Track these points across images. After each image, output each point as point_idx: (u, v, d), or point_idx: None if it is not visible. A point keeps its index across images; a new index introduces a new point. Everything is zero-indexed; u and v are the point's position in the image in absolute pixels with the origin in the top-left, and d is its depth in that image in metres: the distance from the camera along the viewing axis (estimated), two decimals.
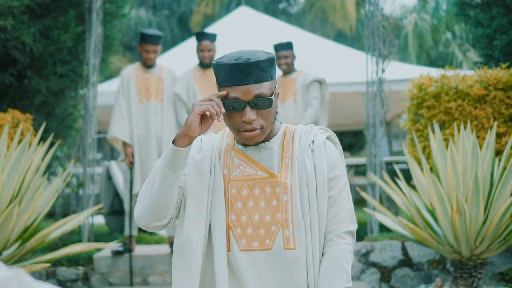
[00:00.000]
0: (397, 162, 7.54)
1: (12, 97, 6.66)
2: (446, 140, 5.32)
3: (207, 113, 2.04)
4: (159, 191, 2.05)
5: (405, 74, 9.20)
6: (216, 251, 2.08)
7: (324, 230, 2.10)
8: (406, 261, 5.69)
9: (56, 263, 5.86)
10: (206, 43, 6.17)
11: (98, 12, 6.58)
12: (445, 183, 4.60)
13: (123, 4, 7.29)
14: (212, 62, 2.10)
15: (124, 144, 6.08)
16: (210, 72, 6.10)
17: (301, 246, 2.07)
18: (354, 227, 2.14)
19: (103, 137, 12.16)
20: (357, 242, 5.50)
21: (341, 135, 18.55)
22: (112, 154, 16.11)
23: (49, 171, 6.83)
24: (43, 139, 5.78)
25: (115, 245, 5.78)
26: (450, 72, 5.82)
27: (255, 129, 2.07)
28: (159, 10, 24.91)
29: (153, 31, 6.20)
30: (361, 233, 6.15)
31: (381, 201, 6.25)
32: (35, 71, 6.62)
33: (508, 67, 5.82)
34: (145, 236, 6.90)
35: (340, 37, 23.18)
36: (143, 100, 6.12)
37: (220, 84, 2.09)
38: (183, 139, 2.03)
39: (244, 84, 2.04)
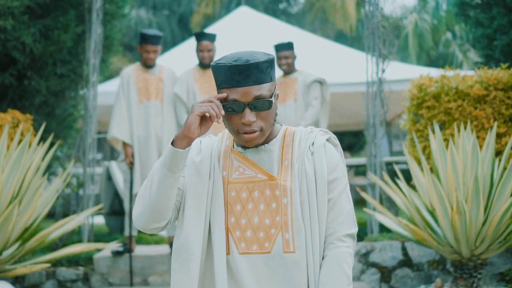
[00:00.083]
0: (397, 163, 7.54)
1: (12, 97, 6.66)
2: (446, 140, 5.31)
3: (207, 114, 2.02)
4: (158, 192, 2.04)
5: (405, 74, 9.20)
6: (216, 254, 2.07)
7: (324, 233, 2.08)
8: (406, 262, 5.68)
9: (56, 263, 5.86)
10: (205, 43, 6.17)
11: (98, 12, 6.58)
12: (445, 183, 4.60)
13: (123, 4, 7.29)
14: (211, 63, 2.08)
15: (124, 144, 6.08)
16: (210, 73, 6.10)
17: (301, 249, 2.06)
18: (354, 229, 2.12)
19: (103, 137, 12.16)
20: (357, 242, 5.47)
21: (341, 135, 18.57)
22: (112, 154, 16.11)
23: (49, 171, 6.83)
24: (43, 139, 5.78)
25: (115, 245, 5.78)
26: (450, 73, 5.82)
27: (254, 131, 2.05)
28: (159, 10, 24.92)
29: (153, 31, 6.20)
30: (361, 234, 6.15)
31: (381, 202, 6.24)
32: (35, 71, 6.62)
33: (508, 68, 5.82)
34: (145, 236, 6.90)
35: (340, 37, 23.18)
36: (143, 100, 6.12)
37: (219, 86, 2.07)
38: (182, 140, 2.01)
39: (243, 85, 2.02)
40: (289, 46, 6.45)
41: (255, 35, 11.41)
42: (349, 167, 9.54)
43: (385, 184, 5.26)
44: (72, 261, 5.96)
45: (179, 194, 2.12)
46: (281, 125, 2.21)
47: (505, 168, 4.64)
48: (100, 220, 8.24)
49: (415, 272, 5.67)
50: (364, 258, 5.67)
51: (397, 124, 12.15)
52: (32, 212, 4.68)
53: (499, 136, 5.45)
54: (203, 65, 6.20)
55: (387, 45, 6.36)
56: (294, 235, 2.06)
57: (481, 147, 5.21)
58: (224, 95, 2.03)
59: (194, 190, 2.10)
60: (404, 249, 5.69)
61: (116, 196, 7.51)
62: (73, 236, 6.44)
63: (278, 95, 2.13)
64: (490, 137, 4.68)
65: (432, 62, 20.23)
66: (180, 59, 9.82)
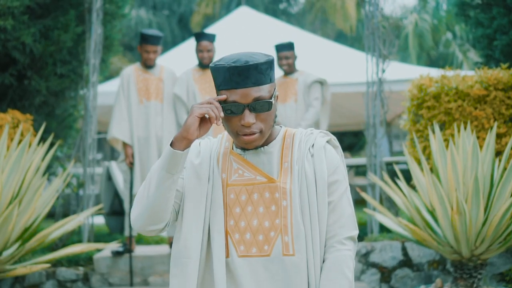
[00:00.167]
0: (397, 163, 7.54)
1: (12, 97, 6.66)
2: (446, 140, 5.31)
3: (206, 116, 2.01)
4: (156, 194, 2.02)
5: (405, 74, 9.20)
6: (215, 257, 2.05)
7: (324, 236, 2.06)
8: (406, 262, 5.68)
9: (56, 263, 5.85)
10: (205, 43, 6.17)
11: (98, 12, 6.58)
12: (445, 183, 4.60)
13: (123, 4, 7.29)
14: (210, 65, 2.06)
15: (124, 144, 6.08)
16: (210, 73, 6.08)
17: (301, 253, 2.04)
18: (355, 232, 2.10)
19: (103, 138, 12.16)
20: (357, 242, 5.49)
21: (341, 135, 18.58)
22: (112, 155, 16.11)
23: (49, 171, 6.83)
24: (43, 139, 5.78)
25: (115, 246, 5.78)
26: (450, 73, 5.82)
27: (254, 133, 2.03)
28: (159, 10, 24.92)
29: (153, 31, 6.20)
30: (361, 234, 6.15)
31: (381, 202, 6.24)
32: (35, 71, 6.62)
33: (509, 68, 5.82)
34: (145, 236, 6.90)
35: (340, 37, 23.18)
36: (143, 101, 6.12)
37: (219, 87, 2.05)
38: (181, 141, 1.99)
39: (242, 87, 2.00)
40: (289, 46, 6.45)
41: (255, 35, 11.41)
42: (349, 167, 9.53)
43: (385, 184, 5.26)
44: (72, 261, 5.96)
45: (178, 196, 2.10)
46: (280, 126, 2.19)
47: (505, 169, 4.64)
48: (100, 220, 8.24)
49: (415, 272, 5.67)
50: (364, 258, 5.67)
51: (397, 124, 12.15)
52: (32, 212, 4.68)
53: (499, 136, 5.44)
54: (203, 65, 6.20)
55: (387, 45, 6.36)
56: (294, 238, 2.04)
57: (481, 147, 5.20)
58: (223, 97, 2.01)
59: (193, 193, 2.09)
60: (404, 249, 5.69)
61: (116, 196, 7.52)
62: (73, 236, 6.44)
63: (277, 96, 2.11)
64: (490, 137, 4.67)
65: (432, 62, 20.23)
66: (180, 59, 9.81)
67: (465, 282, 4.72)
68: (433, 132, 5.26)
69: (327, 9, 22.53)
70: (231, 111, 2.01)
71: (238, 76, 2.00)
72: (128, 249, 5.97)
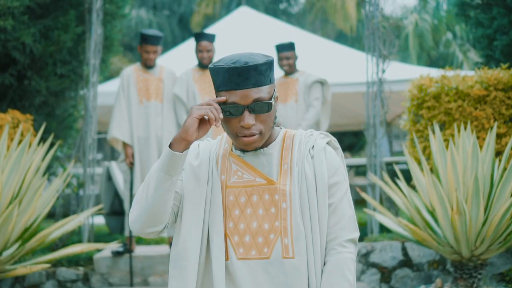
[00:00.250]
0: (397, 163, 7.54)
1: (12, 97, 6.66)
2: (446, 140, 5.31)
3: (206, 117, 1.99)
4: (155, 196, 2.00)
5: (406, 74, 9.20)
6: (214, 259, 2.03)
7: (325, 239, 2.05)
8: (406, 262, 5.68)
9: (56, 263, 5.86)
10: (204, 43, 6.17)
11: (98, 12, 6.58)
12: (445, 183, 4.60)
13: (123, 4, 7.29)
14: (209, 65, 2.05)
15: (124, 144, 6.08)
16: (209, 73, 6.09)
17: (301, 255, 2.02)
18: (356, 234, 2.08)
19: (103, 138, 12.16)
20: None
21: (341, 135, 18.58)
22: (112, 155, 16.11)
23: (49, 171, 6.83)
24: (43, 139, 5.78)
25: (115, 246, 5.78)
26: (450, 73, 5.82)
27: (253, 134, 2.01)
28: (159, 10, 24.92)
29: (153, 31, 6.20)
30: (361, 234, 6.14)
31: (381, 202, 6.24)
32: (35, 71, 6.62)
33: (509, 68, 5.82)
34: None
35: (340, 38, 23.18)
36: (143, 101, 6.12)
37: (218, 89, 2.03)
38: (180, 143, 1.97)
39: (242, 88, 1.98)
40: (290, 46, 6.45)
41: (255, 35, 11.41)
42: (349, 167, 9.53)
43: (385, 185, 5.26)
44: (72, 261, 5.96)
45: (177, 198, 2.08)
46: (280, 128, 2.17)
47: (505, 169, 4.64)
48: (100, 220, 8.24)
49: (415, 272, 5.67)
50: (364, 259, 5.67)
51: (397, 124, 12.15)
52: (32, 212, 4.68)
53: (499, 136, 5.44)
54: (203, 65, 6.20)
55: (387, 45, 6.36)
56: (294, 241, 2.02)
57: (481, 147, 5.20)
58: (223, 98, 1.99)
59: (192, 195, 2.07)
60: (404, 249, 5.69)
61: (116, 196, 7.52)
62: (73, 236, 6.44)
63: (277, 97, 2.09)
64: (490, 138, 4.67)
65: (433, 62, 20.22)
66: (180, 59, 9.82)
67: (465, 282, 4.72)
68: (433, 132, 5.26)
69: (327, 9, 22.53)
70: (230, 112, 1.99)
71: (237, 77, 1.98)
72: (128, 249, 5.97)
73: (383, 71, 6.35)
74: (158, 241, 6.85)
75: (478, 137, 5.39)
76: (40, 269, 5.06)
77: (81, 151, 6.48)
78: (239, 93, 1.99)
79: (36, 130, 6.25)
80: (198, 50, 6.21)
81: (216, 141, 2.19)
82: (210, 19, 21.83)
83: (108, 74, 8.68)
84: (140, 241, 6.78)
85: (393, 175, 5.72)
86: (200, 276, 2.07)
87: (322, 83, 6.45)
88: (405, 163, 6.16)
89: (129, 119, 6.08)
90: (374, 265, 5.68)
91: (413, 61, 19.62)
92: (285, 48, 6.45)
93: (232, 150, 2.13)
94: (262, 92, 2.00)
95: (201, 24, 22.10)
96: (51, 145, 5.95)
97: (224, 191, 2.08)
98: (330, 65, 10.49)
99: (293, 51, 6.46)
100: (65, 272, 5.90)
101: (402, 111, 7.30)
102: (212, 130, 5.79)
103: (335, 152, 2.13)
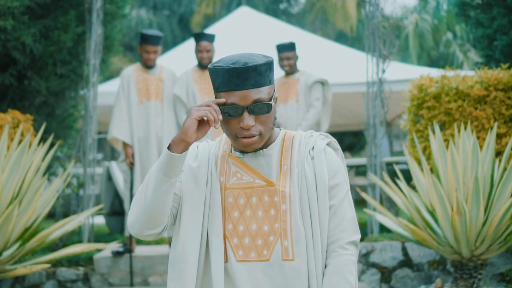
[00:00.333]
0: (398, 163, 7.54)
1: (12, 97, 6.66)
2: (446, 140, 5.31)
3: (205, 118, 1.96)
4: (153, 198, 1.98)
5: (406, 74, 9.20)
6: (213, 262, 2.01)
7: (326, 241, 2.03)
8: (406, 262, 5.68)
9: (56, 263, 5.86)
10: (204, 44, 6.17)
11: (99, 12, 6.58)
12: (445, 183, 4.60)
13: (124, 4, 7.29)
14: (208, 66, 2.02)
15: (124, 144, 6.08)
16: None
17: (301, 257, 2.00)
18: (357, 236, 2.06)
19: (103, 138, 12.16)
20: None
21: (341, 135, 18.58)
22: (112, 155, 16.11)
23: (49, 171, 6.83)
24: (43, 139, 5.78)
25: (115, 246, 5.78)
26: (450, 73, 5.82)
27: (253, 136, 1.99)
28: (159, 10, 24.92)
29: (153, 31, 6.20)
30: (362, 234, 6.14)
31: (381, 202, 6.24)
32: (35, 71, 6.62)
33: (509, 68, 5.82)
34: None
35: (340, 38, 23.18)
36: (143, 101, 6.12)
37: (217, 89, 2.01)
38: (179, 144, 1.95)
39: (241, 89, 1.96)
40: (291, 47, 6.45)
41: (255, 35, 11.41)
42: (350, 167, 9.53)
43: (385, 185, 5.26)
44: (72, 261, 5.96)
45: (176, 199, 2.06)
46: (280, 129, 2.15)
47: (505, 169, 4.64)
48: (100, 220, 8.24)
49: (415, 272, 5.66)
50: (364, 259, 5.67)
51: (397, 125, 12.15)
52: (32, 212, 4.68)
53: (499, 136, 5.44)
54: (202, 65, 6.20)
55: (387, 45, 6.36)
56: (294, 243, 2.00)
57: (481, 147, 5.20)
58: (223, 100, 1.97)
59: (191, 196, 2.05)
60: (404, 249, 5.69)
61: (116, 196, 7.52)
62: (73, 237, 6.44)
63: (277, 98, 2.07)
64: (490, 138, 4.67)
65: (433, 62, 20.23)
66: (180, 60, 9.82)
67: (465, 282, 4.72)
68: (433, 132, 5.26)
69: (327, 9, 22.53)
70: (229, 113, 1.97)
71: (237, 77, 1.96)
72: (128, 249, 5.97)
73: (383, 71, 6.35)
74: (158, 241, 6.85)
75: (478, 137, 5.39)
76: (40, 269, 5.06)
77: (81, 151, 6.49)
78: (239, 94, 1.97)
79: (36, 130, 6.25)
80: (198, 51, 6.21)
81: (215, 142, 2.17)
82: (210, 19, 21.84)
83: (108, 74, 8.68)
84: (140, 241, 6.77)
85: (393, 175, 5.72)
86: (199, 278, 2.05)
87: (323, 83, 6.45)
88: (405, 163, 6.16)
89: (129, 119, 6.08)
90: (374, 265, 5.68)
91: (413, 61, 19.62)
92: (286, 49, 6.45)
93: (231, 151, 2.11)
94: (261, 93, 1.98)
95: (201, 24, 22.10)
96: (51, 145, 5.95)
97: (223, 193, 2.06)
98: (330, 65, 10.49)
99: (294, 51, 6.46)
100: (65, 272, 5.90)
101: (402, 111, 7.30)
102: (213, 131, 5.79)
103: (335, 153, 2.11)
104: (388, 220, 5.20)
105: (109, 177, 7.58)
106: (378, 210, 5.48)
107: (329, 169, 2.06)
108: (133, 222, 2.04)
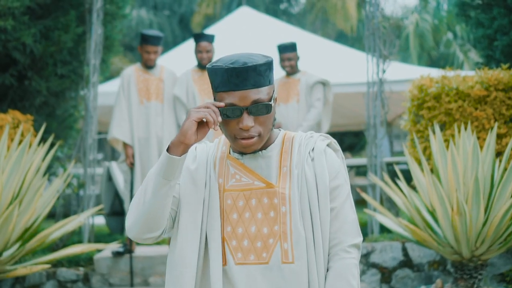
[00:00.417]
0: (398, 163, 7.54)
1: (13, 98, 6.67)
2: (446, 141, 5.31)
3: (204, 120, 1.93)
4: (152, 200, 1.94)
5: (406, 74, 9.20)
6: (212, 264, 1.99)
7: (327, 243, 1.99)
8: (407, 262, 5.68)
9: (57, 264, 5.86)
10: (204, 44, 6.17)
11: (99, 12, 6.58)
12: (446, 184, 4.60)
13: (124, 4, 7.29)
14: (207, 66, 1.99)
15: (125, 144, 6.08)
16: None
17: (301, 260, 1.97)
18: (359, 239, 2.03)
19: (103, 138, 12.16)
20: None
21: (342, 135, 18.58)
22: (112, 155, 16.10)
23: (50, 171, 6.83)
24: (43, 139, 5.78)
25: (116, 246, 5.78)
26: (450, 73, 5.81)
27: (252, 137, 1.95)
28: (160, 10, 24.93)
29: (153, 32, 6.20)
30: (362, 234, 6.15)
31: (381, 202, 6.24)
32: (35, 71, 6.62)
33: (509, 68, 5.82)
34: None
35: (341, 38, 23.18)
36: (144, 101, 6.12)
37: (216, 89, 1.97)
38: (178, 146, 1.92)
39: (241, 89, 1.93)
40: (292, 47, 6.45)
41: (256, 35, 11.41)
42: (350, 167, 9.53)
43: (386, 185, 5.26)
44: (73, 261, 5.96)
45: (175, 202, 2.03)
46: (279, 130, 2.12)
47: (505, 169, 4.64)
48: (100, 220, 8.24)
49: (415, 272, 5.66)
50: (364, 259, 5.67)
51: (397, 125, 12.15)
52: (33, 212, 4.68)
53: (499, 136, 5.44)
54: (202, 66, 6.20)
55: (387, 46, 6.36)
56: (293, 245, 1.96)
57: (481, 147, 5.20)
58: (222, 104, 1.94)
59: (189, 199, 2.02)
60: (404, 249, 5.69)
61: (116, 197, 7.52)
62: (74, 237, 6.44)
63: (276, 98, 2.04)
64: (491, 138, 4.67)
65: (433, 63, 20.22)
66: (180, 60, 9.81)
67: (465, 282, 4.72)
68: (434, 132, 5.26)
69: (327, 9, 22.53)
70: (228, 115, 1.94)
71: (236, 77, 1.93)
72: (128, 250, 5.97)
73: (384, 71, 6.35)
74: (158, 242, 6.85)
75: (478, 138, 5.39)
76: (40, 270, 5.06)
77: (81, 151, 6.49)
78: (238, 94, 1.94)
79: (37, 130, 6.25)
80: (198, 51, 6.21)
81: (214, 144, 2.13)
82: (211, 19, 21.84)
83: (108, 74, 8.68)
84: None
85: (393, 175, 5.72)
86: (198, 281, 2.02)
87: (324, 83, 6.45)
88: (406, 163, 6.15)
89: (130, 119, 6.08)
90: (374, 265, 5.68)
91: (414, 61, 19.62)
92: (287, 49, 6.45)
93: (230, 152, 2.08)
94: (261, 93, 1.95)
95: (201, 24, 22.10)
96: (52, 145, 5.95)
97: (221, 195, 2.03)
98: (331, 65, 10.49)
99: (295, 52, 6.46)
100: (66, 273, 5.90)
101: (402, 111, 7.30)
102: (213, 132, 5.79)
103: (335, 154, 2.08)
104: (388, 220, 5.19)
105: (110, 178, 7.58)
106: (378, 211, 5.48)
107: (329, 170, 2.02)
108: (131, 226, 2.00)
